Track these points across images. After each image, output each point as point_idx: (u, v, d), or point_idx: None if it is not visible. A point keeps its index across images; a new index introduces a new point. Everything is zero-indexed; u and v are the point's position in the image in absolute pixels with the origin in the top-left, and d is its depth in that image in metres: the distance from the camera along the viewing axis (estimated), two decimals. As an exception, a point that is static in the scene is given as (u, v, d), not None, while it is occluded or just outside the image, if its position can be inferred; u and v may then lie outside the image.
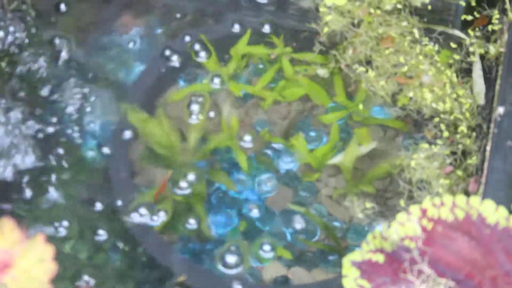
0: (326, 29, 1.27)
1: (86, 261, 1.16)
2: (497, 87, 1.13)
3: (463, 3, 1.27)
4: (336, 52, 1.27)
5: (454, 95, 1.20)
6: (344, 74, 1.28)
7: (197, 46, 1.31)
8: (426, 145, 1.18)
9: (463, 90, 1.20)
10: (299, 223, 1.19)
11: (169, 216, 1.19)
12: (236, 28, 1.33)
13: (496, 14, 1.22)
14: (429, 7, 1.27)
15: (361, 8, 1.26)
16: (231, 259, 1.16)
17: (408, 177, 1.17)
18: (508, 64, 1.13)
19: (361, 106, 1.26)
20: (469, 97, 1.20)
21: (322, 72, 1.28)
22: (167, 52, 1.31)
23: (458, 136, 1.18)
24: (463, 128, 1.18)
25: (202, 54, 1.31)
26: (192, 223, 1.19)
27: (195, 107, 1.27)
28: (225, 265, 1.15)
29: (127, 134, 1.25)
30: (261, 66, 1.31)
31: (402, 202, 1.17)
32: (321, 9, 1.28)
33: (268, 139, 1.26)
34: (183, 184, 1.20)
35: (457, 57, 1.23)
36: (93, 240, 1.17)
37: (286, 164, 1.24)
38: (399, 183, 1.18)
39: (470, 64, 1.22)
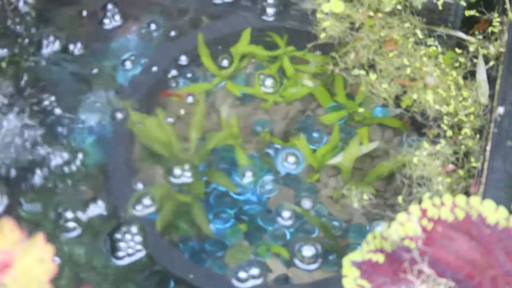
0: (323, 35, 1.27)
1: (85, 262, 1.16)
2: (497, 87, 1.13)
3: (464, 3, 1.27)
4: (336, 55, 1.27)
5: (460, 97, 1.20)
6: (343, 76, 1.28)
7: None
8: (427, 144, 1.18)
9: (468, 92, 1.20)
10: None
11: (170, 216, 1.20)
12: (236, 27, 1.33)
13: (496, 17, 1.22)
14: (440, 8, 1.27)
15: (361, 12, 1.26)
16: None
17: (408, 173, 1.17)
18: (508, 64, 1.13)
19: (361, 109, 1.26)
20: (474, 99, 1.20)
21: (310, 83, 1.28)
22: (168, 51, 1.31)
23: (460, 137, 1.18)
24: (466, 130, 1.18)
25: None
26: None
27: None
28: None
29: (128, 134, 1.25)
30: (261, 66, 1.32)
31: (400, 199, 1.17)
32: (319, 15, 1.28)
33: (269, 139, 1.26)
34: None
35: (462, 59, 1.23)
36: (93, 241, 1.17)
37: (290, 169, 1.24)
38: (399, 183, 1.18)
39: (474, 65, 1.22)
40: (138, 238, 1.15)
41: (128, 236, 1.15)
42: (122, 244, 1.15)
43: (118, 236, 1.15)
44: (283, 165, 1.24)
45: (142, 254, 1.15)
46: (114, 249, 1.15)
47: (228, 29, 1.33)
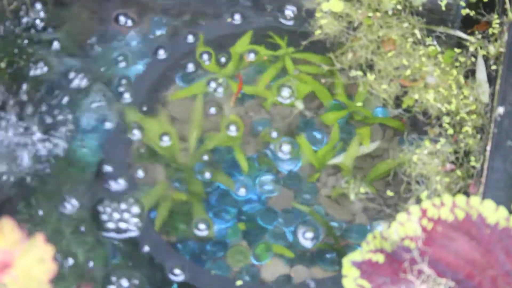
0: (318, 32, 1.27)
1: (85, 261, 1.16)
2: (497, 87, 1.13)
3: (463, 3, 1.27)
4: (332, 55, 1.27)
5: (461, 96, 1.20)
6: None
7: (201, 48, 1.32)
8: (428, 143, 1.18)
9: (469, 90, 1.20)
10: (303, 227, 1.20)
11: (169, 216, 1.20)
12: (236, 27, 1.33)
13: (496, 19, 1.22)
14: (443, 8, 1.27)
15: (360, 12, 1.26)
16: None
17: (408, 171, 1.17)
18: (508, 64, 1.13)
19: (361, 108, 1.26)
20: (475, 97, 1.20)
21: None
22: (167, 51, 1.31)
23: (461, 136, 1.18)
24: (467, 128, 1.18)
25: (205, 56, 1.31)
26: (202, 229, 1.19)
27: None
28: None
29: (128, 134, 1.25)
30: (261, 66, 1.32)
31: (389, 193, 1.17)
32: (317, 14, 1.28)
33: (270, 139, 1.26)
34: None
35: (462, 59, 1.23)
36: (92, 240, 1.17)
37: (287, 164, 1.24)
38: (398, 182, 1.19)
39: (474, 64, 1.22)
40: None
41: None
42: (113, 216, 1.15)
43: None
44: (277, 156, 1.23)
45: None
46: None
47: (228, 29, 1.33)
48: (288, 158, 1.24)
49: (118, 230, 1.16)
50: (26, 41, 1.30)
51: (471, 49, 1.23)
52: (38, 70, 1.29)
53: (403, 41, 1.25)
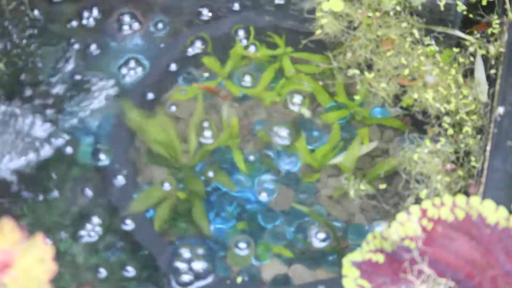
0: (318, 31, 1.27)
1: (85, 261, 1.16)
2: (497, 87, 1.13)
3: (460, 3, 1.27)
4: (330, 54, 1.28)
5: (460, 95, 1.20)
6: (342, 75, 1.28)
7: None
8: (429, 142, 1.18)
9: (468, 90, 1.20)
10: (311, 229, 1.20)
11: (169, 216, 1.20)
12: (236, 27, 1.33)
13: (495, 19, 1.22)
14: (442, 8, 1.27)
15: (360, 12, 1.26)
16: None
17: (408, 169, 1.17)
18: (508, 64, 1.13)
19: (361, 109, 1.26)
20: (474, 96, 1.20)
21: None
22: (167, 52, 1.31)
23: (461, 136, 1.18)
24: (467, 129, 1.18)
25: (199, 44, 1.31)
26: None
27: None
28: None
29: (129, 134, 1.25)
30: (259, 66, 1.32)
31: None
32: (318, 13, 1.28)
33: (268, 139, 1.26)
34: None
35: (461, 59, 1.23)
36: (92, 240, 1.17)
37: (286, 164, 1.24)
38: (398, 182, 1.19)
39: (473, 63, 1.22)
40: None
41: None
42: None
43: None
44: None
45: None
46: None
47: (228, 29, 1.33)
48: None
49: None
50: (25, 41, 1.30)
51: (471, 49, 1.23)
52: (37, 71, 1.29)
53: (401, 40, 1.25)
